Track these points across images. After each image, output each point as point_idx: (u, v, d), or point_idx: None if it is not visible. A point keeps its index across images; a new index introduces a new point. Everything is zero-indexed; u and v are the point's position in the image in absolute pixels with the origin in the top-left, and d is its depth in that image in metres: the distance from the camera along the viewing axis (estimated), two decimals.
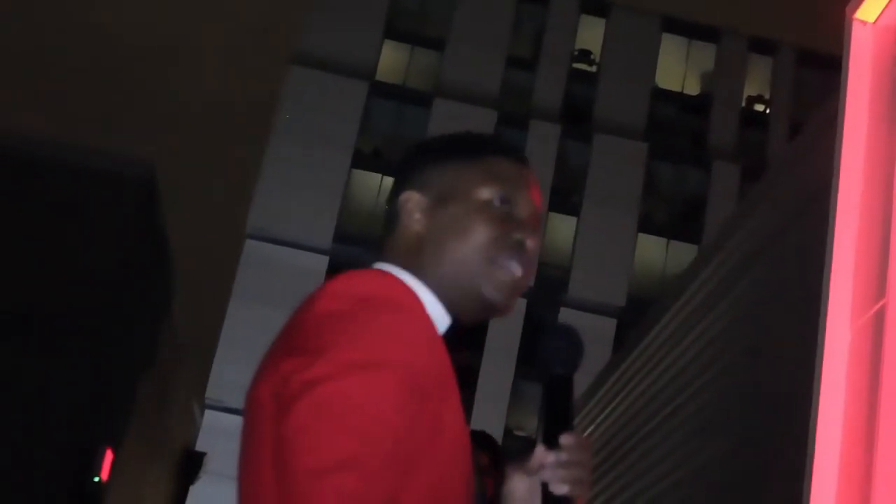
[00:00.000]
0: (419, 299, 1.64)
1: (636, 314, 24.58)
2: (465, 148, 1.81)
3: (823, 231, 4.93)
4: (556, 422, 1.65)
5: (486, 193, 1.74)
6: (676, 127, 40.00)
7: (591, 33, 40.46)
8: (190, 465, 27.57)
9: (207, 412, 34.51)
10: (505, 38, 39.51)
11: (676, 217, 38.66)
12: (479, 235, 1.72)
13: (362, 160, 38.12)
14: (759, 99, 41.24)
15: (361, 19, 39.05)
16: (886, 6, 4.92)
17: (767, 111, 40.97)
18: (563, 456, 1.62)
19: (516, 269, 1.73)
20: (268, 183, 37.09)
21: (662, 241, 37.84)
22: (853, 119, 4.92)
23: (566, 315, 34.36)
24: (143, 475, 27.52)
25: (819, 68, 37.46)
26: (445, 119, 37.70)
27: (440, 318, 1.70)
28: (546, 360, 1.67)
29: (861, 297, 4.46)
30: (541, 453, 1.64)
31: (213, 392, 34.66)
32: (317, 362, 1.50)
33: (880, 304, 4.26)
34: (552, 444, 1.63)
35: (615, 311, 35.60)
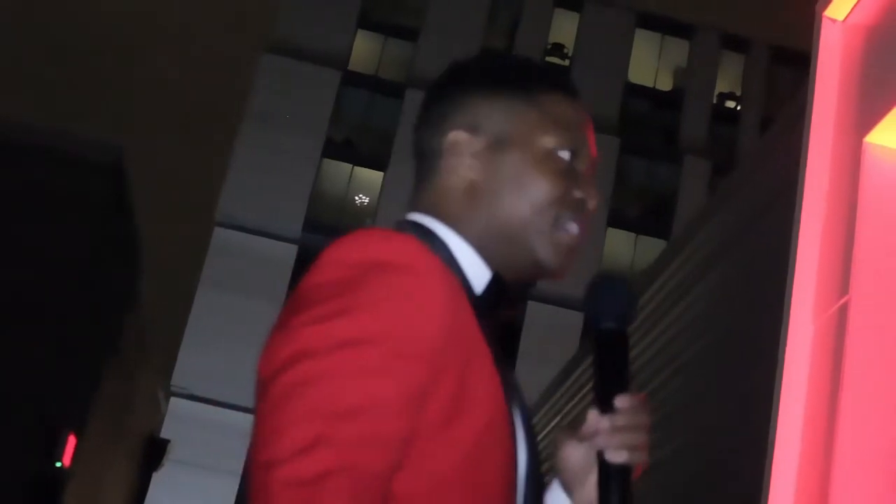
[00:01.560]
0: (437, 260, 1.40)
1: None
2: (520, 80, 1.59)
3: (790, 226, 4.94)
4: (609, 382, 1.49)
5: (548, 141, 1.56)
6: (648, 122, 40.11)
7: (564, 27, 40.50)
8: (153, 453, 27.45)
9: (173, 400, 34.38)
10: (479, 31, 39.48)
11: (646, 212, 38.79)
12: (541, 191, 1.53)
13: (333, 149, 38.03)
14: (731, 95, 41.40)
15: (335, 8, 38.93)
16: (856, 4, 4.93)
17: (739, 108, 41.14)
18: (619, 420, 1.47)
19: (575, 231, 1.56)
20: (238, 171, 36.95)
21: (632, 235, 37.96)
22: (821, 116, 4.92)
23: (533, 308, 34.37)
24: (106, 461, 27.38)
25: (791, 65, 37.63)
26: (417, 109, 37.63)
27: (478, 276, 1.51)
28: (596, 314, 1.52)
29: (824, 293, 4.47)
30: (594, 418, 1.49)
31: (178, 379, 34.53)
32: (301, 337, 1.34)
33: (843, 300, 4.26)
34: (606, 407, 1.48)
35: (581, 304, 35.67)
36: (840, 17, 4.98)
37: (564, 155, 1.56)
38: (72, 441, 22.79)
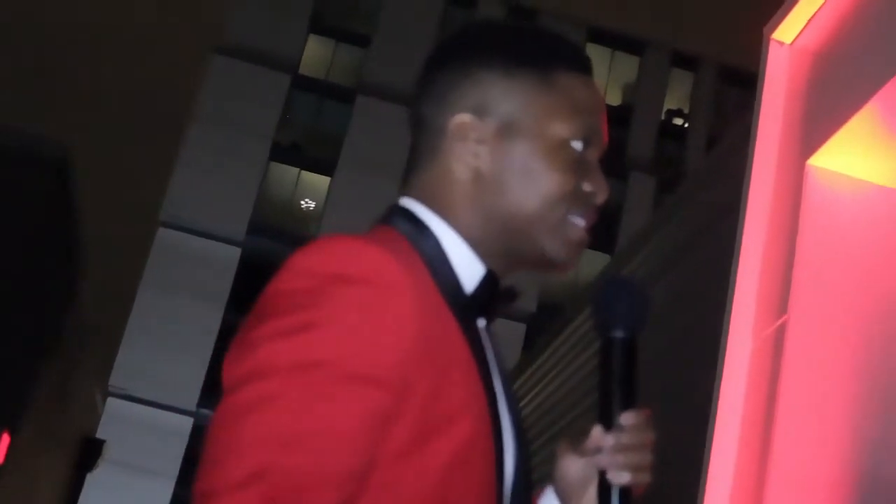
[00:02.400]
0: (405, 272, 1.29)
1: (546, 320, 24.72)
2: (536, 58, 1.46)
3: (732, 245, 4.99)
4: (615, 397, 1.40)
5: (563, 130, 1.45)
6: None
7: None
8: (88, 453, 27.15)
9: (110, 400, 34.05)
10: (431, 39, 39.51)
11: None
12: (551, 185, 1.43)
13: (281, 153, 37.88)
14: (679, 113, 41.75)
15: (287, 11, 38.81)
16: (803, 29, 4.99)
17: (686, 125, 41.49)
18: (624, 438, 1.38)
19: (583, 225, 1.48)
20: (184, 171, 36.70)
21: None
22: (765, 137, 4.98)
23: None
24: (40, 460, 27.01)
25: (738, 85, 38.03)
26: (367, 116, 37.62)
27: (470, 273, 1.41)
28: (605, 320, 1.41)
29: (764, 312, 4.52)
30: (598, 434, 1.40)
31: (116, 380, 34.19)
32: (256, 354, 1.24)
33: (782, 319, 4.31)
34: (610, 423, 1.39)
35: (526, 317, 35.79)
36: (787, 40, 5.04)
37: (577, 145, 1.46)
38: (5, 439, 22.48)
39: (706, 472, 4.27)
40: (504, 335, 35.48)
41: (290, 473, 1.19)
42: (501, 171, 1.43)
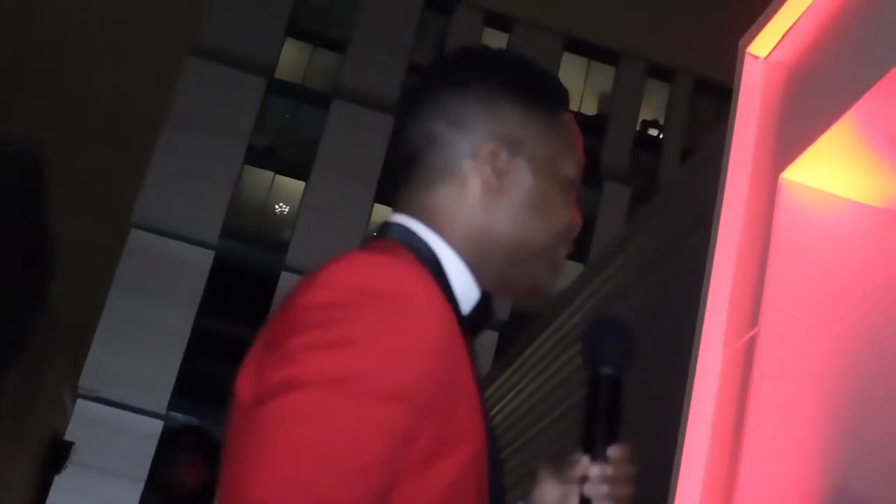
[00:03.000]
0: (436, 289, 1.34)
1: (518, 329, 24.75)
2: (546, 95, 1.54)
3: (704, 257, 5.00)
4: (602, 430, 1.47)
5: (570, 169, 1.54)
6: None
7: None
8: (56, 454, 26.99)
9: (79, 402, 33.86)
10: (407, 45, 39.55)
11: None
12: (560, 222, 1.52)
13: (255, 156, 37.80)
14: (654, 123, 41.92)
15: (264, 15, 38.76)
16: (778, 43, 5.02)
17: (661, 136, 41.65)
18: (609, 470, 1.45)
19: (564, 255, 1.56)
20: (158, 173, 36.57)
21: None
22: (739, 150, 5.00)
23: None
24: (8, 462, 26.81)
25: (713, 97, 38.22)
26: (342, 121, 37.59)
27: (467, 295, 1.46)
28: (595, 358, 1.49)
29: (735, 324, 4.53)
30: (585, 464, 1.46)
31: (86, 381, 34.01)
32: (296, 363, 1.26)
33: (752, 332, 4.33)
34: (597, 454, 1.46)
35: (498, 325, 35.82)
36: (762, 54, 5.06)
37: (573, 184, 1.56)
38: None
39: (675, 483, 4.28)
40: (476, 343, 35.34)
41: (324, 490, 1.21)
42: (519, 202, 1.48)
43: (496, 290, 1.51)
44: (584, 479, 1.46)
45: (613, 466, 1.46)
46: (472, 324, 1.47)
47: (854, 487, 4.07)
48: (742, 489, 4.00)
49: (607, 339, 1.51)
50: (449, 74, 1.55)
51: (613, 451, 1.46)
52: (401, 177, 1.53)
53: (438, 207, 1.48)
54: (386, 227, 1.50)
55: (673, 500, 4.17)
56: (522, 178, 1.49)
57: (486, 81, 1.51)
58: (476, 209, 1.48)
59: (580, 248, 37.57)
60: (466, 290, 1.47)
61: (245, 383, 1.34)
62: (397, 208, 1.52)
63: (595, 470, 1.45)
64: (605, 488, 1.45)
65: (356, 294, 1.29)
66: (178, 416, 34.19)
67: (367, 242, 1.48)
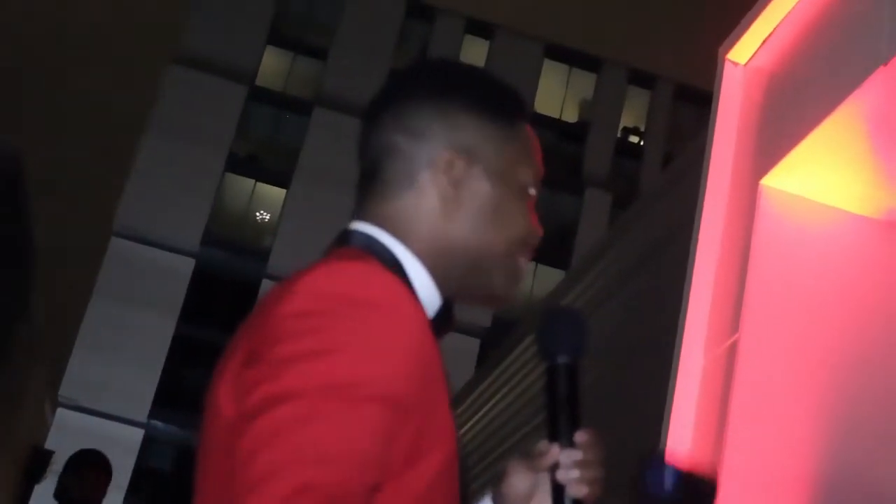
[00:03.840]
0: (410, 290, 1.40)
1: (501, 335, 24.77)
2: (504, 106, 1.57)
3: (685, 263, 5.02)
4: (566, 416, 1.51)
5: (526, 176, 1.56)
6: (553, 153, 40.53)
7: (474, 54, 40.77)
8: (36, 464, 26.86)
9: (60, 410, 33.69)
10: (388, 52, 39.56)
11: (546, 242, 39.03)
12: (516, 228, 1.54)
13: (237, 164, 37.73)
14: (635, 130, 42.03)
15: (245, 22, 38.72)
16: (758, 49, 5.04)
17: (642, 143, 41.76)
18: (579, 454, 1.49)
19: (525, 264, 1.58)
20: (139, 181, 36.46)
21: (531, 265, 38.15)
22: (719, 156, 5.02)
23: None
24: None
25: (694, 104, 38.34)
26: (324, 129, 37.58)
27: (430, 300, 1.49)
28: (549, 348, 1.53)
29: (716, 330, 4.55)
30: (554, 451, 1.49)
31: (66, 390, 33.86)
32: (283, 375, 1.28)
33: (734, 338, 4.34)
34: (564, 441, 1.49)
35: (480, 332, 35.83)
36: (742, 60, 5.09)
37: (531, 191, 1.58)
38: None
39: None
40: (459, 350, 35.49)
41: (328, 489, 1.24)
42: (475, 209, 1.52)
43: (457, 298, 1.54)
44: (554, 467, 1.49)
45: (582, 451, 1.49)
46: (436, 329, 1.47)
47: (838, 492, 4.09)
48: (725, 493, 4.01)
49: (559, 329, 1.54)
50: (408, 87, 1.58)
51: (580, 436, 1.50)
52: (362, 187, 1.57)
53: (398, 217, 1.52)
54: (346, 234, 1.54)
55: None
56: (479, 187, 1.52)
57: (444, 93, 1.55)
58: (434, 218, 1.51)
59: (562, 255, 37.65)
60: (429, 295, 1.50)
61: (226, 397, 1.36)
62: (358, 216, 1.55)
63: (564, 456, 1.49)
64: (576, 473, 1.48)
65: (333, 302, 1.32)
66: (159, 424, 34.09)
67: (329, 250, 1.52)
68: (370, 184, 1.55)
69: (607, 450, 1.54)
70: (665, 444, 4.37)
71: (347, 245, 1.51)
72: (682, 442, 4.34)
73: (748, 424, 4.16)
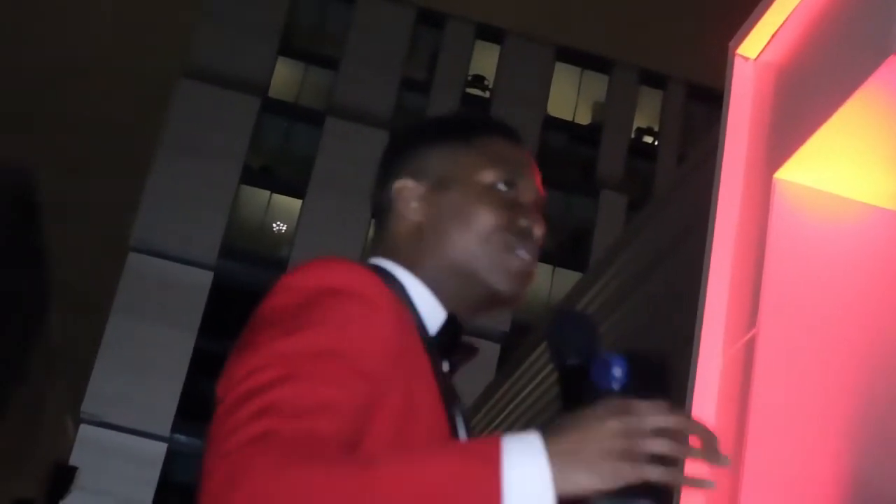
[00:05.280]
0: (384, 287, 1.46)
1: (520, 339, 24.74)
2: (459, 129, 1.69)
3: (701, 260, 5.00)
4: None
5: (488, 177, 1.63)
6: (566, 155, 40.48)
7: (485, 59, 40.79)
8: (60, 480, 26.94)
9: (82, 426, 33.78)
10: (400, 60, 39.60)
11: (563, 245, 39.06)
12: (483, 222, 1.59)
13: (251, 176, 37.79)
14: (649, 131, 41.94)
15: (256, 35, 38.79)
16: (768, 43, 5.03)
17: (656, 143, 41.68)
18: None
19: (526, 257, 1.62)
20: (154, 196, 36.55)
21: (548, 268, 38.19)
22: (732, 152, 5.00)
23: None
24: (11, 488, 26.75)
25: (707, 103, 38.23)
26: (337, 138, 37.62)
27: (433, 317, 1.56)
28: (559, 350, 1.55)
29: (733, 326, 4.53)
30: None
31: (89, 406, 33.95)
32: (257, 355, 1.36)
33: (751, 333, 4.32)
34: None
35: (500, 337, 35.80)
36: (752, 55, 5.07)
37: (502, 187, 1.62)
38: None
39: (678, 487, 4.27)
40: (479, 355, 35.34)
41: (293, 431, 1.28)
42: (439, 220, 1.61)
43: (468, 311, 1.61)
44: None
45: None
46: (443, 344, 1.55)
47: (859, 485, 4.06)
48: (746, 491, 3.99)
49: (568, 331, 1.56)
50: (384, 153, 1.76)
51: None
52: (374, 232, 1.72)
53: (392, 245, 1.64)
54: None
55: (678, 501, 4.16)
56: (438, 199, 1.62)
57: (405, 140, 1.72)
58: (413, 239, 1.62)
59: (578, 258, 37.60)
60: (432, 312, 1.57)
61: (220, 386, 1.42)
62: (371, 255, 1.67)
63: None
64: None
65: (314, 294, 1.41)
66: (182, 438, 34.15)
67: None
68: (375, 230, 1.72)
69: None
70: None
71: None
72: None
73: (768, 421, 4.14)
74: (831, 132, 4.23)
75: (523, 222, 1.62)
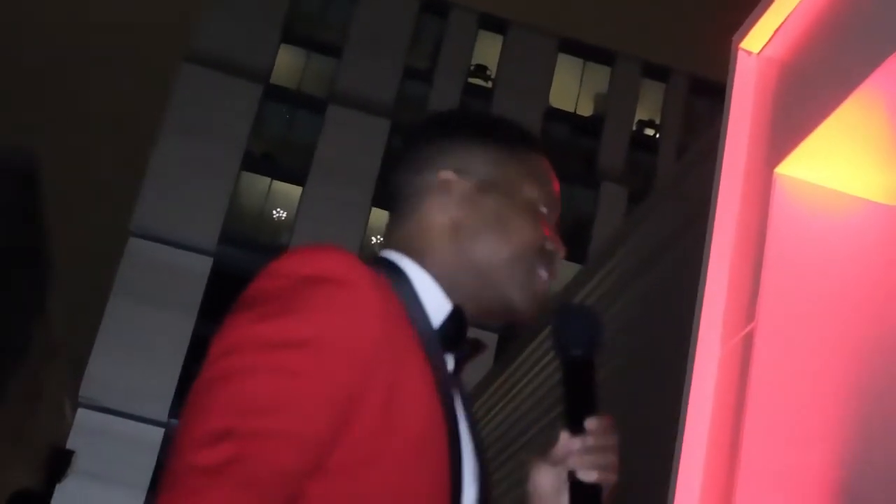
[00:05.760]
0: (371, 274, 1.44)
1: (518, 330, 24.75)
2: (507, 135, 1.66)
3: (700, 253, 5.01)
4: (578, 405, 1.56)
5: (532, 193, 1.63)
6: (568, 147, 40.45)
7: (488, 49, 40.75)
8: (58, 463, 26.98)
9: (80, 410, 33.82)
10: (402, 48, 39.56)
11: (564, 237, 38.91)
12: (523, 236, 1.59)
13: (252, 163, 37.78)
14: (650, 123, 41.91)
15: (259, 21, 38.75)
16: (771, 38, 5.02)
17: (657, 135, 41.65)
18: (590, 440, 1.53)
19: (546, 278, 1.63)
20: (155, 181, 36.54)
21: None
22: (733, 146, 5.01)
23: None
24: (9, 471, 26.79)
25: (709, 95, 38.22)
26: (338, 126, 37.60)
27: (438, 309, 1.55)
28: (563, 342, 1.57)
29: (732, 319, 4.54)
30: (566, 440, 1.54)
31: (87, 390, 33.98)
32: (228, 336, 1.38)
33: (749, 327, 4.33)
34: (577, 429, 1.54)
35: (497, 327, 35.81)
36: (755, 49, 5.07)
37: (542, 210, 1.63)
38: None
39: (675, 480, 4.28)
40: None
41: (253, 433, 1.30)
42: (479, 222, 1.59)
43: (476, 313, 1.59)
44: (569, 456, 1.54)
45: (594, 437, 1.52)
46: (447, 336, 1.54)
47: (855, 480, 4.07)
48: (742, 483, 4.01)
49: (572, 323, 1.58)
50: (415, 134, 1.70)
51: (591, 422, 1.53)
52: (390, 224, 1.67)
53: (410, 238, 1.60)
54: (371, 261, 1.59)
55: (674, 494, 4.18)
56: (482, 202, 1.60)
57: (446, 131, 1.66)
58: (442, 236, 1.59)
59: (578, 249, 37.58)
60: (437, 304, 1.55)
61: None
62: (383, 247, 1.64)
63: (576, 444, 1.52)
64: (588, 459, 1.51)
65: (296, 279, 1.40)
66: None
67: None
68: (391, 218, 1.66)
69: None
70: (682, 434, 4.36)
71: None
72: (699, 433, 4.33)
73: (766, 414, 4.15)
74: (833, 128, 4.23)
75: (552, 246, 1.63)
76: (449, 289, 1.57)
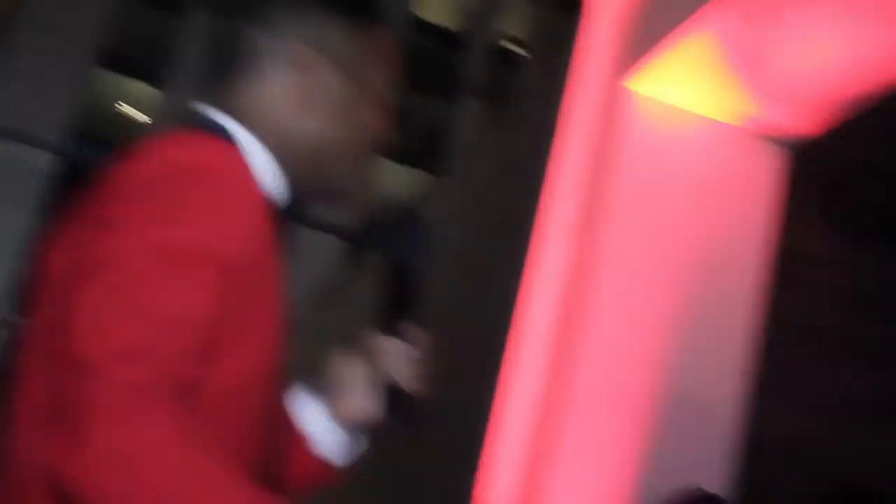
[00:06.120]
0: (252, 172, 1.44)
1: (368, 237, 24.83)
2: (359, 9, 1.63)
3: (550, 167, 5.01)
4: (397, 310, 1.59)
5: (377, 77, 1.62)
6: (431, 59, 40.31)
7: None
8: None
9: None
10: None
11: (424, 148, 39.12)
12: (363, 124, 1.58)
13: (107, 59, 36.76)
14: (514, 39, 42.06)
15: None
16: None
17: (520, 51, 41.85)
18: (401, 344, 1.58)
19: (365, 164, 1.64)
20: (1, 74, 35.29)
21: (405, 169, 38.22)
22: (587, 58, 5.02)
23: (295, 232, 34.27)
24: None
25: (574, 11, 38.43)
26: (200, 31, 36.79)
27: (278, 191, 1.54)
28: (394, 244, 1.60)
29: (578, 232, 4.54)
30: (379, 340, 1.58)
31: None
32: (121, 236, 1.32)
33: (595, 238, 4.33)
34: (392, 331, 1.58)
35: (378, 238, 35.81)
36: None
37: (384, 96, 1.62)
38: None
39: (503, 379, 4.27)
40: (316, 246, 35.45)
41: (165, 350, 1.27)
42: (324, 103, 1.55)
43: (301, 193, 1.58)
44: (381, 354, 1.58)
45: (406, 342, 1.57)
46: (277, 216, 1.52)
47: (689, 392, 4.13)
48: (574, 404, 4.02)
49: (406, 228, 1.60)
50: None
51: (404, 327, 1.58)
52: (215, 78, 1.60)
53: (248, 106, 1.54)
54: (193, 117, 1.55)
55: (503, 395, 4.17)
56: (329, 81, 1.56)
57: (310, 2, 1.61)
58: (281, 108, 1.54)
59: (434, 160, 37.67)
60: (276, 184, 1.53)
61: (59, 258, 1.40)
62: (207, 102, 1.57)
63: (389, 344, 1.57)
64: (393, 362, 1.56)
65: (178, 168, 1.36)
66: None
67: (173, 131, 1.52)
68: (223, 76, 1.58)
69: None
70: (515, 348, 4.36)
71: (194, 129, 1.52)
72: (534, 345, 4.33)
73: (601, 335, 4.17)
74: (683, 45, 4.23)
75: (383, 131, 1.63)
76: (280, 164, 1.54)
